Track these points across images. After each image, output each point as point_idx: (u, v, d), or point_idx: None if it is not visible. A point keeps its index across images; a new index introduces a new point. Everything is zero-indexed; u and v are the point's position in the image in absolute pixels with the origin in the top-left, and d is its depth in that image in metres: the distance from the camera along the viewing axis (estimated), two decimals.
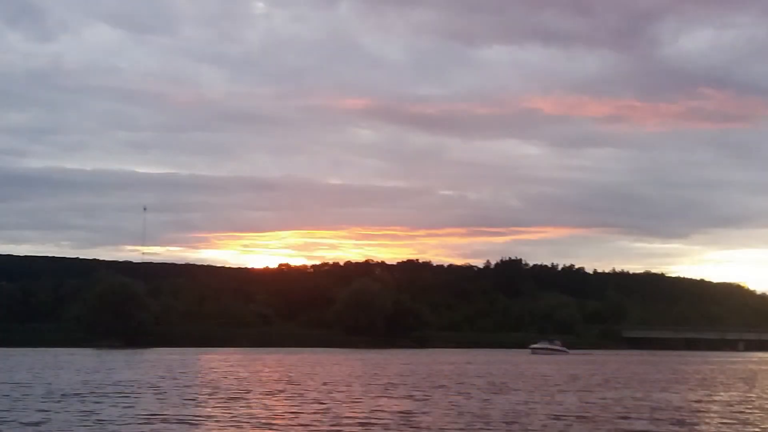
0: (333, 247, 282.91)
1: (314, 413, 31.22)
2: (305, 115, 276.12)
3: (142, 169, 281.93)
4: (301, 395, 39.07)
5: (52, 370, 58.65)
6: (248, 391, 40.89)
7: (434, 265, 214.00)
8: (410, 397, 38.98)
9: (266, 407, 33.40)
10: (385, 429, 27.34)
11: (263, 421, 29.00)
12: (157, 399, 36.61)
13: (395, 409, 33.09)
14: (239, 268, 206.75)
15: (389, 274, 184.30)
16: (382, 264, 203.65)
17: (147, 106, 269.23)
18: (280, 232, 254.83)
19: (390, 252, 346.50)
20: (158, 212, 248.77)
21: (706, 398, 41.27)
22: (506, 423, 29.09)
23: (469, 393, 41.85)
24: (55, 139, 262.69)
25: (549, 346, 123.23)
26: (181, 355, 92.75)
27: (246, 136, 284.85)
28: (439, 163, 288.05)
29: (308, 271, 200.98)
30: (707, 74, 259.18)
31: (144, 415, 30.14)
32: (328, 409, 32.87)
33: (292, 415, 30.47)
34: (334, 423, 28.51)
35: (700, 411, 34.54)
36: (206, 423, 28.35)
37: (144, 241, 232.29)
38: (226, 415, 30.47)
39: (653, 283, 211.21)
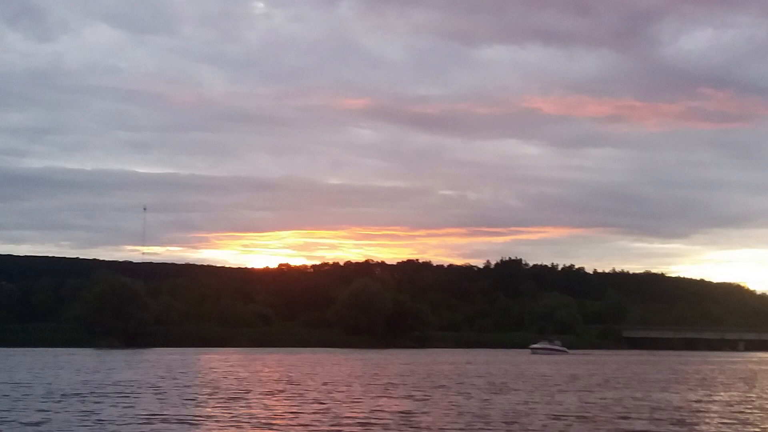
0: (333, 247, 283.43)
1: (314, 413, 31.23)
2: (305, 115, 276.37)
3: (142, 169, 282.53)
4: (301, 395, 39.08)
5: (52, 370, 58.65)
6: (248, 391, 40.91)
7: (434, 265, 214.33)
8: (410, 397, 38.98)
9: (266, 407, 33.41)
10: (385, 429, 27.35)
11: (263, 421, 29.02)
12: (157, 399, 36.62)
13: (395, 409, 33.10)
14: (239, 268, 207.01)
15: (389, 274, 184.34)
16: (382, 264, 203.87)
17: (147, 106, 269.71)
18: (280, 232, 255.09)
19: (390, 252, 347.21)
20: (158, 212, 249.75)
21: (706, 398, 41.30)
22: (506, 423, 29.11)
23: (469, 393, 41.86)
24: (55, 139, 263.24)
25: (549, 346, 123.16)
26: (181, 355, 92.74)
27: (246, 136, 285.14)
28: (439, 163, 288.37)
29: (308, 271, 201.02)
30: (707, 74, 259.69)
31: (144, 415, 30.15)
32: (328, 409, 32.88)
33: (292, 415, 30.48)
34: (334, 423, 28.52)
35: (700, 411, 34.55)
36: (206, 423, 28.37)
37: (144, 241, 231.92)
38: (226, 415, 30.49)
39: (653, 283, 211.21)
